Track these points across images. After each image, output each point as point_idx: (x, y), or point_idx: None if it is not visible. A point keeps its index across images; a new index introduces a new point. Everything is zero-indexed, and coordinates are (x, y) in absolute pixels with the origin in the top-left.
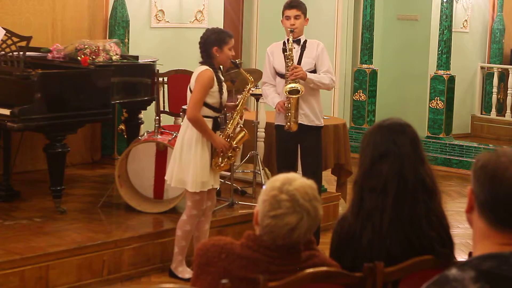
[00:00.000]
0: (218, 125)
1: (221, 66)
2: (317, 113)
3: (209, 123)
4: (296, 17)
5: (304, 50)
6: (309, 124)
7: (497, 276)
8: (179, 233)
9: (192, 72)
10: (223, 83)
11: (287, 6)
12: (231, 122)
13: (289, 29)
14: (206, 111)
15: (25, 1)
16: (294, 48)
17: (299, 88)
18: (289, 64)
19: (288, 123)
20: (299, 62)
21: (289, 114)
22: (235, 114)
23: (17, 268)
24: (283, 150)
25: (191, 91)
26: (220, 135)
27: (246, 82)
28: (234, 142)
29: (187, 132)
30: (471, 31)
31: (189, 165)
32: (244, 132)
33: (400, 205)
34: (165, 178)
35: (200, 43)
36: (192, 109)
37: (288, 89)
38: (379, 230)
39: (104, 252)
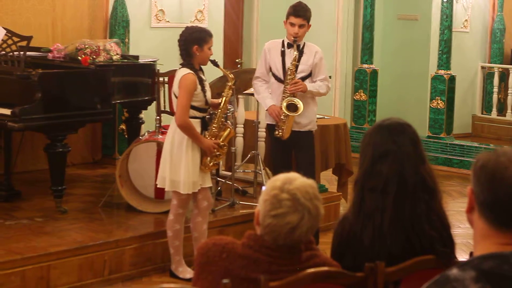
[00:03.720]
0: (206, 125)
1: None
2: (310, 119)
3: (196, 124)
4: (300, 26)
5: (302, 56)
6: (300, 130)
7: (498, 276)
8: (170, 233)
9: None
10: (205, 82)
11: (294, 13)
12: (215, 121)
13: (292, 37)
14: (193, 112)
15: (25, 1)
16: (291, 53)
17: (298, 105)
18: (290, 77)
19: (280, 132)
20: (296, 68)
21: (282, 126)
22: (219, 113)
23: (18, 268)
24: (278, 149)
25: (175, 95)
26: (206, 135)
27: (248, 81)
28: (221, 140)
29: (176, 133)
30: (471, 31)
31: (180, 166)
32: (229, 129)
33: (401, 205)
34: (156, 182)
35: (180, 41)
36: (180, 116)
37: (286, 103)
38: (380, 230)
39: (105, 252)
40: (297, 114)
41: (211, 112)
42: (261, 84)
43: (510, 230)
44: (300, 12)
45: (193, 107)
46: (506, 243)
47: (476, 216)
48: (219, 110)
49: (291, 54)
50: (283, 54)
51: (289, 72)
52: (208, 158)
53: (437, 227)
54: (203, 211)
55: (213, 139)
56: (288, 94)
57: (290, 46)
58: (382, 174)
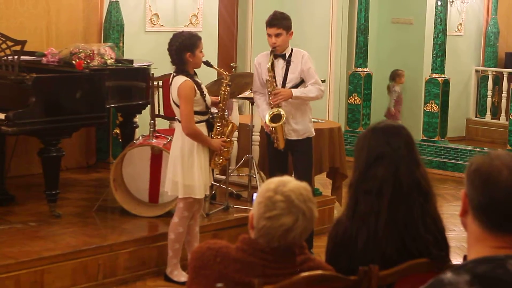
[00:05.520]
0: (211, 126)
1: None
2: (306, 126)
3: (202, 127)
4: (277, 35)
5: (289, 65)
6: (298, 138)
7: (491, 280)
8: (172, 236)
9: None
10: (202, 85)
11: (267, 24)
12: (218, 119)
13: (271, 48)
14: (196, 117)
15: (20, 5)
16: (279, 63)
17: (281, 114)
18: (270, 90)
19: (276, 143)
20: (285, 78)
21: (275, 136)
22: (219, 111)
23: (12, 273)
24: (274, 154)
25: (175, 103)
26: (212, 134)
27: (243, 85)
28: (226, 136)
29: (185, 140)
30: (465, 35)
31: (193, 170)
32: (231, 124)
33: (396, 208)
34: (165, 189)
35: (171, 50)
36: (187, 125)
37: (269, 117)
38: (375, 232)
39: (99, 256)
40: (280, 123)
41: (212, 112)
42: (259, 97)
43: (504, 233)
44: (274, 22)
45: (196, 112)
46: (500, 246)
47: (470, 220)
48: (220, 108)
49: (279, 63)
50: (272, 65)
51: (268, 84)
52: (217, 157)
53: (432, 230)
54: (195, 213)
55: (218, 137)
56: (273, 105)
57: (277, 56)
58: (377, 177)
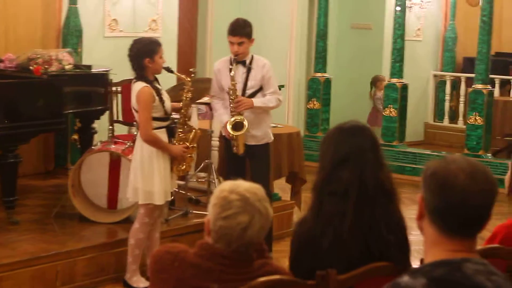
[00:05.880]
0: (172, 132)
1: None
2: (265, 131)
3: (163, 133)
4: (239, 44)
5: (250, 72)
6: (257, 143)
7: (448, 283)
8: (132, 241)
9: None
10: (162, 91)
11: (230, 32)
12: (179, 125)
13: (233, 56)
14: (156, 123)
15: None
16: (239, 69)
17: (244, 123)
18: (232, 98)
19: (235, 148)
20: (245, 85)
21: (235, 143)
22: (181, 117)
23: None
24: (232, 159)
25: (136, 110)
26: (174, 141)
27: (202, 90)
28: (189, 143)
29: (144, 146)
30: (424, 40)
31: (153, 177)
32: (194, 130)
33: (360, 210)
34: (127, 196)
35: (130, 56)
36: (144, 131)
37: (232, 123)
38: (340, 234)
39: (58, 263)
40: (242, 132)
41: (174, 119)
42: (217, 101)
43: (460, 237)
44: (236, 30)
45: (156, 118)
46: (456, 249)
47: (427, 223)
48: (182, 114)
49: (239, 70)
50: (231, 71)
51: (230, 92)
52: (180, 163)
53: (394, 231)
54: (155, 219)
55: (181, 143)
56: (236, 113)
57: (237, 63)
58: (342, 180)
